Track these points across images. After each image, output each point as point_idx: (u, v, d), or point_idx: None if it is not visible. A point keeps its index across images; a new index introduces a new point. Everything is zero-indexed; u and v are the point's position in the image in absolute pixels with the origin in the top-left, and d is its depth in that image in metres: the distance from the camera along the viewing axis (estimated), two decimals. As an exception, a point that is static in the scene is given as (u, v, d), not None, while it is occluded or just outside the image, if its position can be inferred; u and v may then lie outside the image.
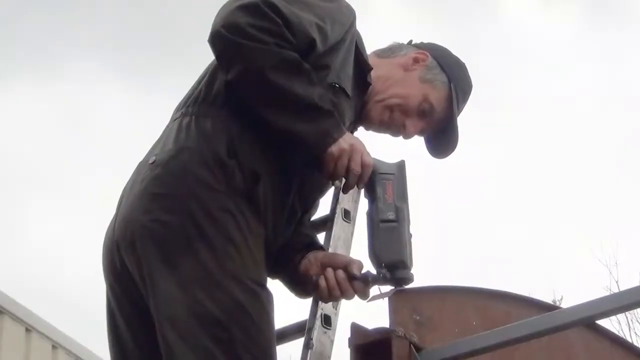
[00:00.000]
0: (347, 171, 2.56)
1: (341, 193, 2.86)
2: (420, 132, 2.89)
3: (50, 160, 21.58)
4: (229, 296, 2.37)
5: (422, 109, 2.85)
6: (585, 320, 2.51)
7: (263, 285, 2.46)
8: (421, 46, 2.98)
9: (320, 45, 2.62)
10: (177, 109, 2.72)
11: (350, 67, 2.74)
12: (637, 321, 17.44)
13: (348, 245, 2.85)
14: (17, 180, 21.02)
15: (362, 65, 2.80)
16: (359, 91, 2.79)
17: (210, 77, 2.67)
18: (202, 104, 2.63)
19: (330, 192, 2.85)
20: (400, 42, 3.00)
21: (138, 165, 2.64)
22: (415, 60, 2.90)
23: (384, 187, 2.63)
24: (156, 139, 2.69)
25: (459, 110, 2.92)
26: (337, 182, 2.66)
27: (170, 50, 22.23)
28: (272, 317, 2.47)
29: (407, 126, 2.84)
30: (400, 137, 2.89)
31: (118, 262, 2.52)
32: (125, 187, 2.63)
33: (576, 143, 22.31)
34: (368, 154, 2.60)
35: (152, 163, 2.54)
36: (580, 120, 22.77)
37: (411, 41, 3.01)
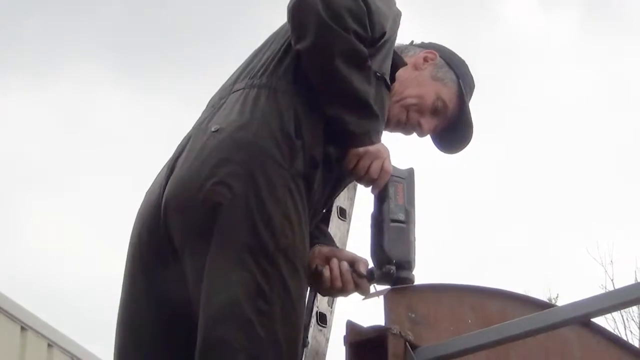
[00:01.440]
0: (366, 172, 2.62)
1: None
2: (434, 130, 2.94)
3: (48, 161, 21.55)
4: (277, 272, 2.41)
5: (436, 107, 2.90)
6: (581, 318, 2.51)
7: (305, 268, 2.50)
8: (425, 46, 3.02)
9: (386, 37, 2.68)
10: (236, 81, 2.68)
11: (390, 63, 2.78)
12: (633, 319, 17.46)
13: (343, 243, 2.86)
14: (15, 180, 21.00)
15: (396, 61, 2.83)
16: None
17: (281, 50, 2.66)
18: (271, 76, 2.62)
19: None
20: (402, 42, 3.02)
21: (192, 135, 2.61)
22: (425, 60, 2.95)
23: (395, 188, 2.69)
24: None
25: None
26: None
27: (169, 52, 22.19)
28: (305, 301, 2.54)
29: (422, 125, 2.89)
30: (411, 136, 2.93)
31: (161, 221, 2.51)
32: (175, 154, 2.60)
33: (573, 142, 22.33)
34: (390, 161, 2.65)
35: (215, 131, 2.53)
36: (578, 121, 22.80)
37: (412, 42, 3.05)
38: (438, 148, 2.98)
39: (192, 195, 2.46)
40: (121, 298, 2.64)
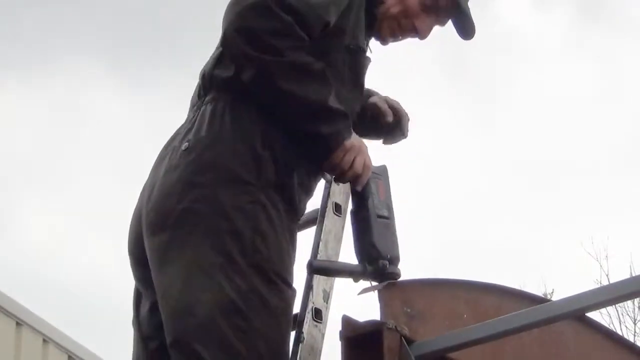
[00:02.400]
0: (349, 168, 2.59)
1: (332, 187, 2.87)
2: (437, 25, 2.90)
3: (42, 156, 21.51)
4: (251, 287, 2.39)
5: (425, 5, 2.84)
6: (576, 313, 2.52)
7: (285, 281, 2.47)
8: None
9: (335, 21, 2.62)
10: (210, 88, 2.67)
11: (362, 15, 2.74)
12: (628, 314, 17.50)
13: (339, 238, 2.86)
14: (10, 176, 21.00)
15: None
16: (369, 23, 2.80)
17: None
18: (238, 88, 2.59)
19: (320, 187, 2.85)
20: None
21: (168, 144, 2.64)
22: None
23: (377, 185, 2.68)
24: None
25: None
26: (327, 175, 2.69)
27: (162, 47, 22.20)
28: (291, 314, 2.50)
29: (417, 27, 2.85)
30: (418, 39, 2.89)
31: (140, 244, 2.56)
32: (156, 165, 2.64)
33: (567, 138, 22.39)
34: (370, 158, 2.64)
35: (185, 150, 2.54)
36: (571, 117, 22.84)
37: None
38: (458, 35, 2.93)
39: (165, 218, 2.49)
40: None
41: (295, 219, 2.56)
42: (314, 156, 2.58)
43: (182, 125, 2.69)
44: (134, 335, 2.67)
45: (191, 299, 2.40)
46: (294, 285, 2.52)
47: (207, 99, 2.64)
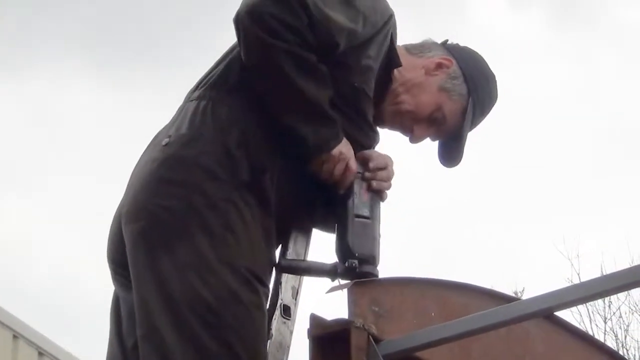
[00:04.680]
0: (330, 174, 2.61)
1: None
2: (430, 138, 2.88)
3: (19, 159, 21.37)
4: (222, 283, 2.40)
5: (434, 117, 2.82)
6: (544, 312, 2.52)
7: (258, 277, 2.48)
8: (452, 49, 2.90)
9: (344, 48, 2.61)
10: (195, 89, 2.70)
11: (376, 65, 2.71)
12: (598, 313, 17.60)
13: (308, 236, 2.85)
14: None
15: (391, 61, 2.77)
16: (381, 86, 2.77)
17: (230, 62, 2.67)
18: (221, 88, 2.63)
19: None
20: (434, 40, 2.94)
21: (152, 140, 2.68)
22: (439, 66, 2.85)
23: (360, 185, 2.69)
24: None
25: (473, 126, 2.88)
26: None
27: (142, 48, 22.11)
28: (264, 309, 2.51)
29: (414, 131, 2.84)
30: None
31: (120, 235, 2.57)
32: (139, 160, 2.67)
33: (540, 138, 22.47)
34: (354, 161, 2.64)
35: (165, 145, 2.56)
36: (544, 117, 22.95)
37: (446, 41, 2.94)
38: (437, 157, 2.91)
39: (138, 212, 2.51)
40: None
41: (269, 217, 2.56)
42: (297, 155, 2.59)
43: (169, 122, 2.72)
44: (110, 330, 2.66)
45: (162, 294, 2.39)
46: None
47: (193, 95, 2.66)
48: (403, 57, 2.83)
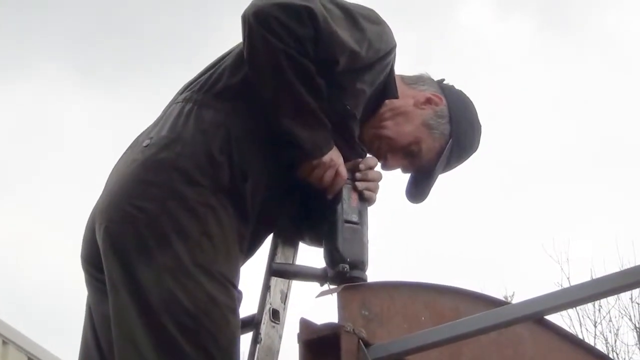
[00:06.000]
0: (319, 180, 2.63)
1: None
2: (401, 169, 2.88)
3: (9, 164, 21.32)
4: (199, 287, 2.40)
5: (410, 150, 2.82)
6: (534, 316, 2.52)
7: (232, 282, 2.49)
8: (446, 89, 2.90)
9: (343, 68, 2.62)
10: (181, 92, 2.71)
11: (370, 91, 2.72)
12: (588, 317, 17.61)
13: (296, 241, 2.85)
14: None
15: (387, 91, 2.78)
16: (371, 109, 2.79)
17: (221, 70, 2.67)
18: (207, 93, 2.63)
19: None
20: (430, 76, 2.94)
21: (134, 142, 2.68)
22: (428, 101, 2.85)
23: (349, 191, 2.71)
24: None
25: (447, 168, 2.89)
26: None
27: (132, 54, 22.08)
28: (238, 314, 2.51)
29: (388, 159, 2.84)
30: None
31: (94, 235, 2.55)
32: (119, 161, 2.66)
33: (529, 142, 22.49)
34: (344, 168, 2.65)
35: (145, 146, 2.56)
36: (532, 122, 22.97)
37: (443, 80, 2.94)
38: (405, 190, 2.92)
39: (112, 214, 2.50)
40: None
41: (247, 224, 2.56)
42: (286, 160, 2.59)
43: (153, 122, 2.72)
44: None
45: (138, 298, 2.39)
46: (243, 288, 2.56)
47: (179, 98, 2.68)
48: (398, 86, 2.84)
